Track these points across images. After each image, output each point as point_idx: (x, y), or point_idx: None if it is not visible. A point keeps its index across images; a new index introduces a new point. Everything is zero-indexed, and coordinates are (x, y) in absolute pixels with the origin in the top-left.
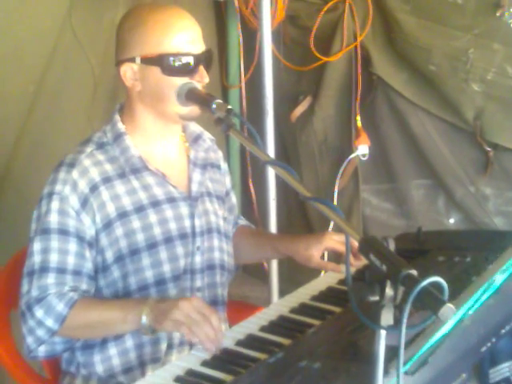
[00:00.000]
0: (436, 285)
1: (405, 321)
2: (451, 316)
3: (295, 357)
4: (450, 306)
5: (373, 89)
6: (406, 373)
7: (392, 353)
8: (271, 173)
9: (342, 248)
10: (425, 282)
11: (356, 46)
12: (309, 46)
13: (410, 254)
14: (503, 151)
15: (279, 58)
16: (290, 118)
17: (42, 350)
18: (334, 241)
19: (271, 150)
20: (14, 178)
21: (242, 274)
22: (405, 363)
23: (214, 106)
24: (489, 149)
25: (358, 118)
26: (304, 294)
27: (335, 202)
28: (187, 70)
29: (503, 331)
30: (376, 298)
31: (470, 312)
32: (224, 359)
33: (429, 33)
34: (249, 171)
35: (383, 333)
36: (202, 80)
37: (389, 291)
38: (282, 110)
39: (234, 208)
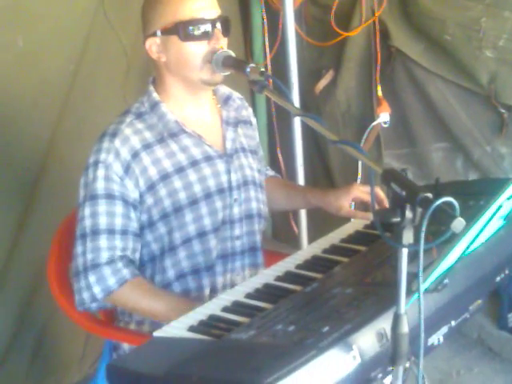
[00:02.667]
0: (448, 204)
1: (423, 235)
2: (462, 228)
3: (329, 286)
4: (460, 219)
5: (392, 60)
6: (426, 291)
7: (413, 277)
8: (298, 141)
9: (368, 197)
10: (438, 202)
11: (374, 21)
12: (329, 23)
13: None
14: None
15: (302, 35)
16: (314, 91)
17: (94, 306)
18: (360, 191)
19: (297, 122)
20: (57, 151)
21: (272, 240)
22: (424, 282)
23: (248, 69)
24: (503, 111)
25: (379, 87)
26: (334, 237)
27: (359, 168)
28: (203, 35)
29: None
30: (397, 219)
31: (483, 238)
32: (265, 292)
33: (442, 5)
34: (276, 140)
35: (405, 250)
36: (218, 42)
37: (408, 213)
38: (306, 85)
39: (263, 159)
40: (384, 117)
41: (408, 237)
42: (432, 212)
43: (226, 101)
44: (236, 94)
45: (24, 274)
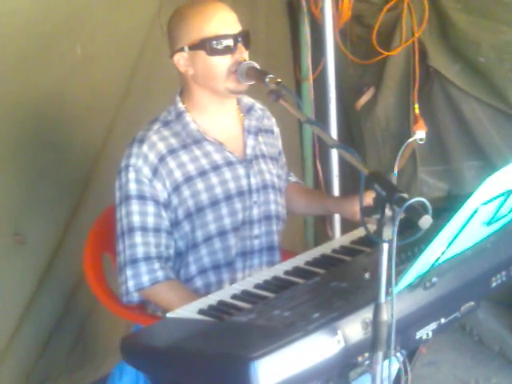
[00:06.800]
0: (422, 204)
1: (395, 230)
2: (428, 225)
3: (328, 280)
4: (427, 216)
5: (429, 80)
6: (410, 286)
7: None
8: (334, 154)
9: None
10: (411, 201)
11: (414, 41)
12: (372, 42)
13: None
14: None
15: (346, 53)
16: (355, 107)
17: (136, 298)
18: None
19: (334, 133)
20: (108, 154)
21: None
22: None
23: (267, 79)
24: None
25: (416, 106)
26: (345, 239)
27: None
28: (227, 49)
29: None
30: (377, 215)
31: (467, 243)
32: (272, 283)
33: (478, 28)
34: (316, 153)
35: (385, 245)
36: (241, 55)
37: (388, 211)
38: (348, 100)
39: (285, 166)
40: (420, 134)
41: (388, 233)
42: (407, 210)
43: (248, 110)
44: (258, 105)
45: (71, 264)
